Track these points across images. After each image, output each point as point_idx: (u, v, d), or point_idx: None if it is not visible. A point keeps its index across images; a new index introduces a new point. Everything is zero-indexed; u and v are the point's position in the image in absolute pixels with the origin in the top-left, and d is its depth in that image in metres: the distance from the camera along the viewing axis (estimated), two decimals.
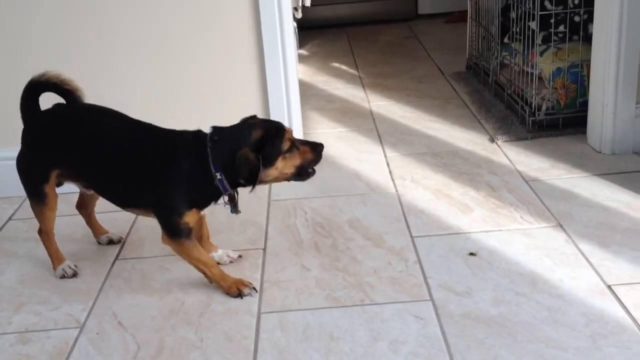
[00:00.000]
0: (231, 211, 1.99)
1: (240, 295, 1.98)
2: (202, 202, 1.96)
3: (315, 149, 1.96)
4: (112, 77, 2.68)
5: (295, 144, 1.94)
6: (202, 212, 1.99)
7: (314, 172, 1.98)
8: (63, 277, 2.15)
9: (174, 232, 1.94)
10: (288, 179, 1.96)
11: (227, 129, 1.94)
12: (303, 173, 1.96)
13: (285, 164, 1.92)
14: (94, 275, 2.16)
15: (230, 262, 2.17)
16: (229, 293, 1.99)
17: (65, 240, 2.30)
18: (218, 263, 2.15)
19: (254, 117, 2.00)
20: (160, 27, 2.64)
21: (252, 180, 1.89)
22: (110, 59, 2.67)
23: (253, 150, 1.87)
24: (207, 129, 1.95)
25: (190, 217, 1.94)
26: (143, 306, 1.98)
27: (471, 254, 2.13)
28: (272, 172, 1.91)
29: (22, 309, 2.01)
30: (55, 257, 2.17)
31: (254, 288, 2.00)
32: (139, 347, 1.81)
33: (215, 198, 1.97)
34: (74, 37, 2.63)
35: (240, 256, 2.20)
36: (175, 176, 1.91)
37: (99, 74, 2.66)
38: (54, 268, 2.17)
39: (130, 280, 2.12)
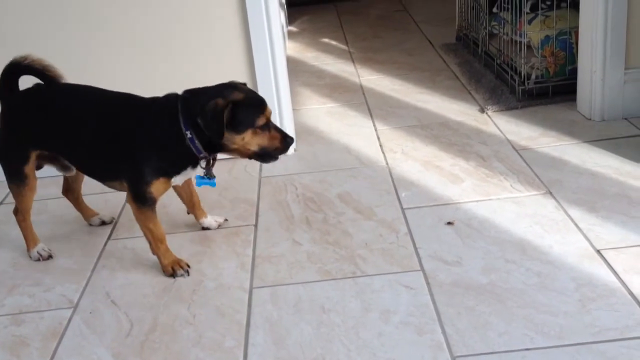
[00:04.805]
0: (203, 174, 1.97)
1: (173, 275, 2.00)
2: (174, 168, 1.93)
3: (285, 139, 1.92)
4: (90, 49, 2.67)
5: (270, 125, 1.90)
6: (175, 181, 1.97)
7: (277, 158, 1.94)
8: (38, 260, 2.15)
9: (138, 198, 1.95)
10: (250, 157, 1.92)
11: (202, 87, 1.91)
12: (265, 155, 1.92)
13: (251, 139, 1.87)
14: (86, 256, 2.16)
15: (219, 225, 2.23)
16: (164, 271, 2.02)
17: (57, 222, 2.30)
18: (207, 228, 2.22)
19: (243, 83, 1.96)
20: (143, 6, 2.62)
21: (217, 133, 1.83)
22: (91, 32, 2.65)
23: (226, 105, 1.82)
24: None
25: (156, 187, 1.93)
26: (136, 285, 1.99)
27: (449, 223, 2.14)
28: (238, 140, 1.86)
29: (15, 291, 2.01)
30: (31, 239, 2.18)
31: (187, 271, 2.01)
32: (132, 324, 1.82)
33: (189, 163, 1.93)
34: (51, 25, 2.62)
35: (226, 220, 2.25)
36: (145, 140, 1.90)
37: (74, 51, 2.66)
38: (28, 250, 2.17)
39: (122, 260, 2.12)
